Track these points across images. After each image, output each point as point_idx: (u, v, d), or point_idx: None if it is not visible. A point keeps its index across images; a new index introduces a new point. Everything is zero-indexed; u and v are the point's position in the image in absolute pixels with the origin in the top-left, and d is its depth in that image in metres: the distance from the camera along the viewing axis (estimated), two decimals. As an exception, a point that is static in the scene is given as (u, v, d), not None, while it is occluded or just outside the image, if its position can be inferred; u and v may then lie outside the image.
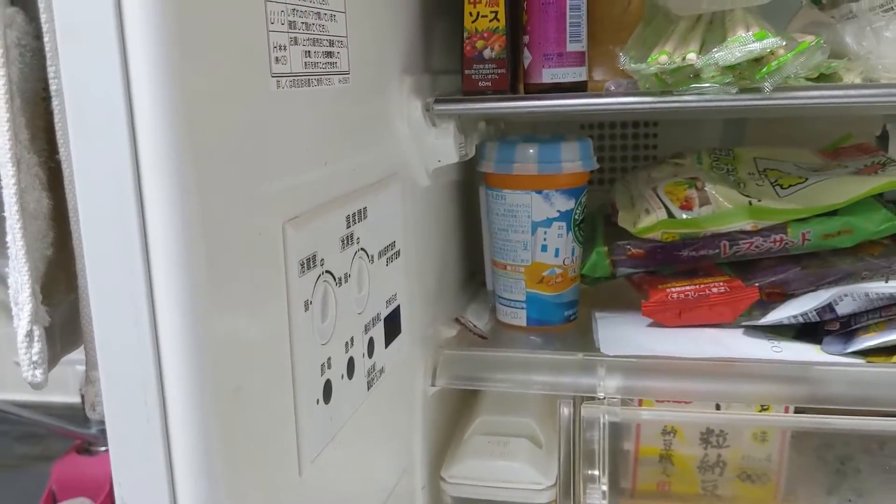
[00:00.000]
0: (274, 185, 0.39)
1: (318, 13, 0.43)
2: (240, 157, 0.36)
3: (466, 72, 0.63)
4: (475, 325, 0.73)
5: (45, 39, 0.35)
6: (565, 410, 0.65)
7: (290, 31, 0.40)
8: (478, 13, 0.62)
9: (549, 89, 0.62)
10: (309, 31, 0.42)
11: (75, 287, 0.41)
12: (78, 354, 1.05)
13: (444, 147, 0.63)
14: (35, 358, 0.35)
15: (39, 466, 1.13)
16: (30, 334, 0.35)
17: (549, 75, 0.62)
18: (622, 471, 0.72)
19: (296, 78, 0.40)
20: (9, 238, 0.36)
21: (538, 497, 0.66)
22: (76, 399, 1.14)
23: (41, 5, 0.34)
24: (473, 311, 0.77)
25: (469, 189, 0.82)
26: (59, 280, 0.42)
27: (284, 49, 0.39)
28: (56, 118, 0.35)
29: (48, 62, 0.35)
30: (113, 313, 0.33)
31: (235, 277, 0.36)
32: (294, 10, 0.40)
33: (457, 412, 0.78)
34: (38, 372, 0.35)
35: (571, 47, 0.62)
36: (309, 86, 0.42)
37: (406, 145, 0.61)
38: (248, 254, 0.37)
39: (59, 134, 0.35)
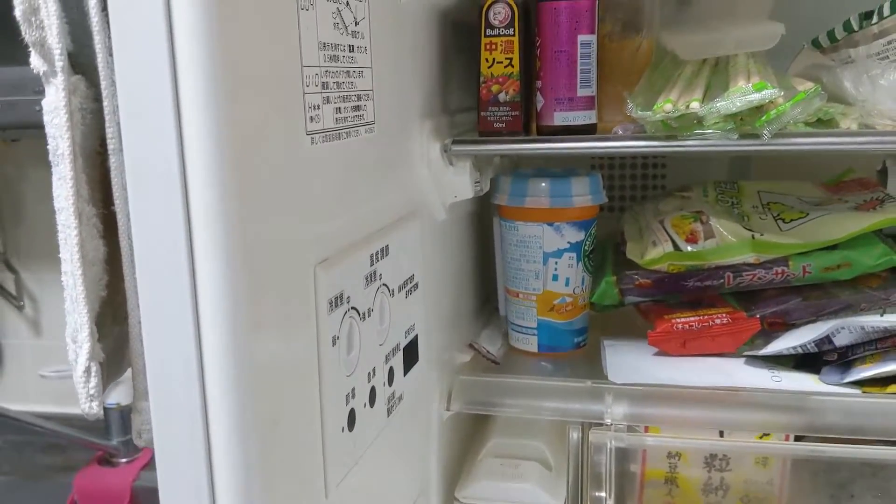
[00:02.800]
0: (307, 232, 0.43)
1: (348, 72, 0.47)
2: (278, 208, 0.40)
3: (482, 113, 0.67)
4: (488, 351, 0.77)
5: (105, 104, 0.38)
6: (574, 435, 0.68)
7: (323, 91, 0.43)
8: (493, 59, 0.65)
9: (560, 131, 0.66)
10: (340, 90, 0.45)
11: (120, 320, 0.45)
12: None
13: (460, 184, 0.67)
14: (92, 392, 0.39)
15: (62, 477, 1.17)
16: (88, 370, 0.39)
17: (560, 118, 0.65)
18: (628, 492, 0.75)
19: (328, 133, 0.44)
20: (69, 282, 0.40)
21: (548, 517, 0.70)
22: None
23: (101, 73, 0.38)
24: (487, 337, 0.80)
25: (483, 219, 0.85)
26: (107, 315, 0.45)
27: (318, 108, 0.43)
28: (113, 174, 0.39)
29: (106, 123, 0.39)
30: (164, 349, 0.37)
31: (273, 317, 0.40)
32: (327, 71, 0.44)
33: (470, 435, 0.81)
34: (95, 404, 0.39)
35: (582, 92, 0.65)
36: (339, 139, 0.46)
37: (424, 183, 0.65)
38: (284, 295, 0.41)
39: (115, 188, 0.39)
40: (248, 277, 0.37)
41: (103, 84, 0.38)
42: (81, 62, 0.39)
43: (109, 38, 0.37)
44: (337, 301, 0.46)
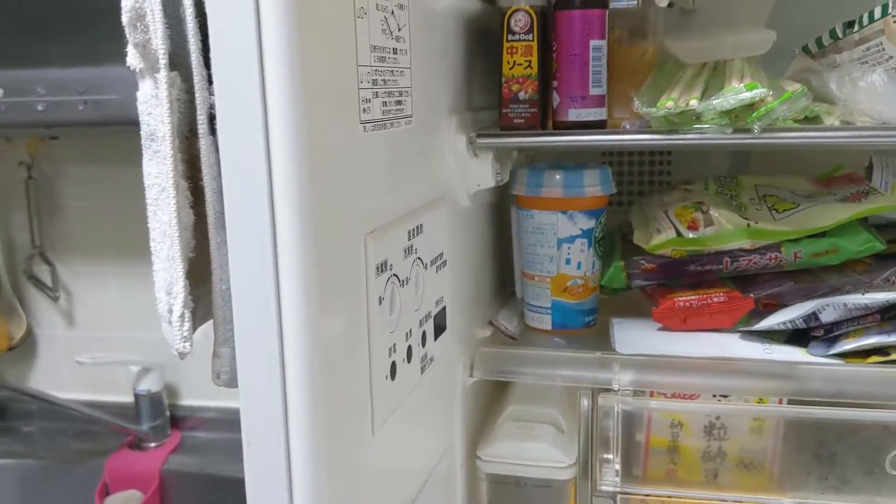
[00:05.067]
0: (359, 206, 0.51)
1: (392, 71, 0.54)
2: (338, 185, 0.47)
3: (503, 110, 0.74)
4: (506, 328, 0.84)
5: (196, 95, 0.46)
6: (584, 401, 0.75)
7: (373, 87, 0.51)
8: (514, 62, 0.73)
9: (574, 126, 0.73)
10: (386, 86, 0.53)
11: (198, 284, 0.52)
12: (128, 355, 1.14)
13: (483, 174, 0.74)
14: (185, 334, 0.46)
15: (94, 461, 1.22)
16: (182, 316, 0.46)
17: (574, 114, 0.73)
18: (635, 460, 0.82)
19: (376, 123, 0.52)
20: (162, 246, 0.47)
21: (560, 474, 0.77)
22: (129, 399, 1.24)
23: (194, 70, 0.46)
24: (505, 316, 0.87)
25: (502, 209, 0.93)
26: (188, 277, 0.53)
27: (369, 101, 0.50)
28: (202, 153, 0.46)
29: (197, 112, 0.46)
30: (248, 302, 0.44)
31: (334, 277, 0.47)
32: (376, 70, 0.51)
33: (490, 401, 0.89)
34: (188, 344, 0.46)
35: (594, 91, 0.73)
36: (385, 129, 0.53)
37: (451, 172, 0.72)
38: (342, 259, 0.48)
39: (203, 165, 0.46)
40: (317, 241, 0.45)
41: (196, 79, 0.46)
42: (175, 60, 0.47)
43: (201, 40, 0.45)
44: (382, 267, 0.53)
